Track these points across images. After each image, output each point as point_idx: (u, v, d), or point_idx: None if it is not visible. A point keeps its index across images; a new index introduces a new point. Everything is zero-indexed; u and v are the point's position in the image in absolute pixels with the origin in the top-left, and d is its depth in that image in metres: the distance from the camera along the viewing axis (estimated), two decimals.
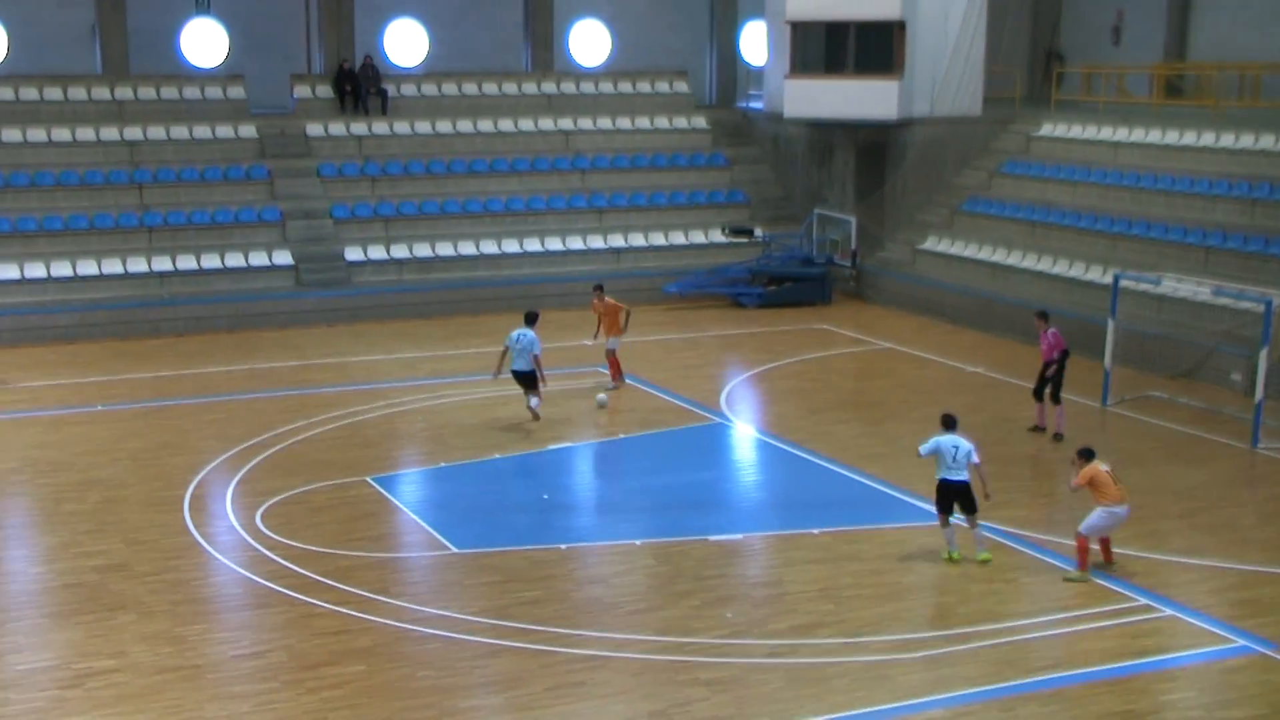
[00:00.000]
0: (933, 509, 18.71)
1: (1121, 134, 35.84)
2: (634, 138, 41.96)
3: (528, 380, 24.41)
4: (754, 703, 14.30)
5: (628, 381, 27.35)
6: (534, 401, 24.52)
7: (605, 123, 42.05)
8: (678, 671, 15.03)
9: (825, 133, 39.71)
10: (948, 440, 18.23)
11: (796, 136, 40.99)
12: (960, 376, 28.86)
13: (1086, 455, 17.86)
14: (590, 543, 19.27)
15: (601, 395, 26.34)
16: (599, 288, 28.07)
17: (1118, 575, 17.72)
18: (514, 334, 24.36)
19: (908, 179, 38.72)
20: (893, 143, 38.84)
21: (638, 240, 38.84)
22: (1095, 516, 17.62)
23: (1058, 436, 23.99)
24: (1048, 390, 24.28)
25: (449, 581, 17.79)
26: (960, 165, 38.63)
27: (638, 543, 19.05)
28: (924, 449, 18.40)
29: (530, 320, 24.68)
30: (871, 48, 37.73)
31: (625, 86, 43.55)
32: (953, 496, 18.21)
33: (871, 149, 39.10)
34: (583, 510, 21.38)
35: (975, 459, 18.09)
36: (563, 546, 18.90)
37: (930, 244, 37.02)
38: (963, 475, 18.08)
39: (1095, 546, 17.96)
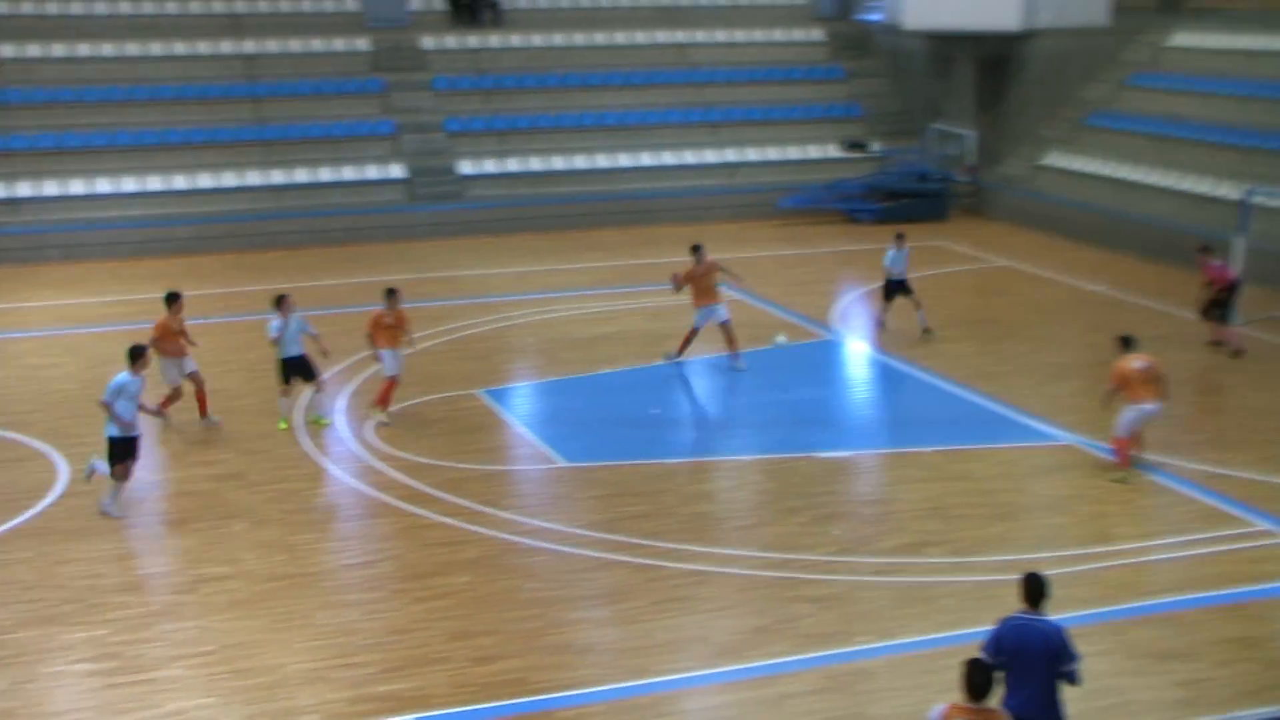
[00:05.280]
0: (1046, 428, 18.39)
1: (1260, 42, 34.27)
2: (750, 50, 41.45)
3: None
4: (860, 620, 14.15)
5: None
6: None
7: (721, 35, 41.57)
8: (784, 588, 14.91)
9: (946, 44, 38.87)
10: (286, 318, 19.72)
11: (916, 49, 40.18)
12: (1080, 295, 28.25)
13: (1125, 343, 18.16)
14: (698, 458, 19.18)
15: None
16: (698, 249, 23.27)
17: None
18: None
19: (1030, 92, 37.78)
20: (1015, 55, 37.89)
21: (752, 155, 38.44)
22: (1125, 414, 17.89)
23: (1237, 353, 23.57)
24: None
25: (557, 495, 17.79)
26: (1085, 78, 37.47)
27: (746, 458, 18.93)
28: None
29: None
30: None
31: None
32: (292, 370, 20.06)
33: (993, 62, 38.22)
34: (692, 425, 21.27)
35: (311, 330, 20.02)
36: (671, 461, 18.83)
37: (1052, 159, 36.14)
38: (298, 350, 19.97)
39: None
